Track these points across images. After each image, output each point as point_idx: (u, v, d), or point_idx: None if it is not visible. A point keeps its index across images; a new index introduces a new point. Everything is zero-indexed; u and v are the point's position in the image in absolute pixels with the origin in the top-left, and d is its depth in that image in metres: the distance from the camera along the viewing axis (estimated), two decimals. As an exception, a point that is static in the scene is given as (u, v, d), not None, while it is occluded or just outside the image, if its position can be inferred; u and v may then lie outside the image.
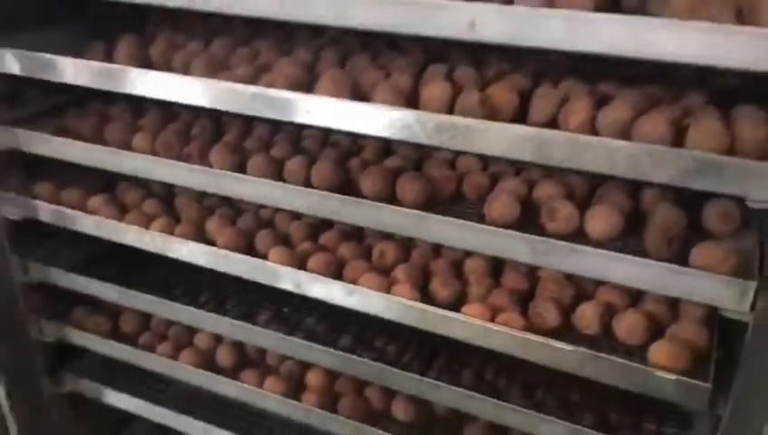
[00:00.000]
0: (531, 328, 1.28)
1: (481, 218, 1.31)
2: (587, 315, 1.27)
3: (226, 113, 1.51)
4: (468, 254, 1.45)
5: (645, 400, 1.22)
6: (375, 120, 1.22)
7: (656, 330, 1.24)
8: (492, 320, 1.29)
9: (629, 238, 1.25)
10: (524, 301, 1.35)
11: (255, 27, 1.68)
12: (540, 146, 1.11)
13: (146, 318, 1.88)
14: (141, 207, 1.69)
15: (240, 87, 1.33)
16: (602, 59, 1.01)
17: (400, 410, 1.61)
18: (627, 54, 0.97)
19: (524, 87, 1.34)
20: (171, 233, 1.58)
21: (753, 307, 1.05)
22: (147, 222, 1.62)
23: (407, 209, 1.30)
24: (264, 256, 1.50)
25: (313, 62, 1.50)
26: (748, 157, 1.04)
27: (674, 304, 1.27)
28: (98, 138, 1.62)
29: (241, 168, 1.48)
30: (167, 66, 1.53)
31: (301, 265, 1.47)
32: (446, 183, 1.43)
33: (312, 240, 1.56)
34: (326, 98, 1.27)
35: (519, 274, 1.40)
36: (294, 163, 1.46)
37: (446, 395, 1.43)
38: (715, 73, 1.07)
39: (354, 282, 1.41)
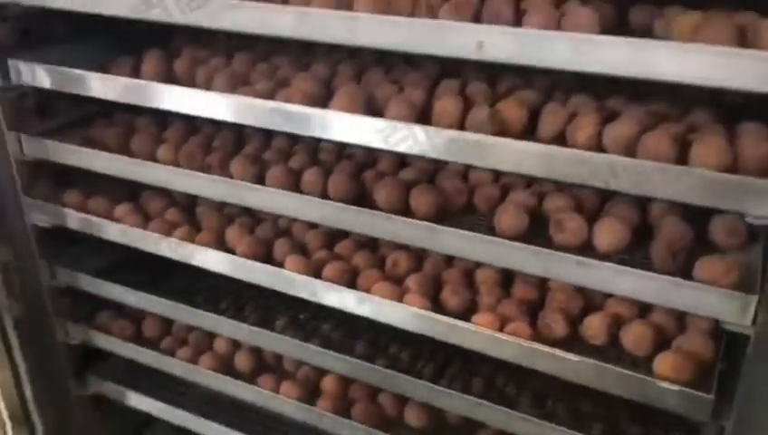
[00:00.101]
0: (539, 338, 1.31)
1: (491, 230, 1.34)
2: (594, 326, 1.30)
3: (247, 125, 1.57)
4: (479, 264, 1.48)
5: (653, 410, 1.24)
6: (387, 134, 1.26)
7: (662, 341, 1.27)
8: (501, 329, 1.33)
9: (637, 251, 1.28)
10: (534, 311, 1.38)
11: (275, 43, 1.74)
12: (546, 161, 1.14)
13: (167, 323, 1.94)
14: (164, 216, 1.75)
15: (259, 102, 1.38)
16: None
17: (413, 417, 1.65)
18: (630, 75, 1.00)
19: (534, 102, 1.38)
20: (192, 241, 1.64)
21: (754, 321, 1.07)
22: (169, 230, 1.68)
23: (418, 221, 1.34)
24: (282, 265, 1.55)
25: (330, 77, 1.55)
26: (751, 173, 1.07)
27: (681, 316, 1.29)
28: (124, 148, 1.68)
29: (260, 179, 1.53)
30: (190, 81, 1.59)
31: (316, 273, 1.51)
32: (458, 195, 1.46)
33: (328, 249, 1.61)
34: (340, 113, 1.31)
35: (529, 284, 1.43)
36: (311, 175, 1.50)
37: (457, 403, 1.46)
38: (722, 89, 1.10)
39: (367, 290, 1.45)
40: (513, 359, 1.31)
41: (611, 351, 1.29)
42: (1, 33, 1.64)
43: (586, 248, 1.27)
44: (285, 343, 1.64)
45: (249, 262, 1.56)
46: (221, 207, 1.78)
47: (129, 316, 1.96)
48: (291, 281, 1.52)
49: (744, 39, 1.05)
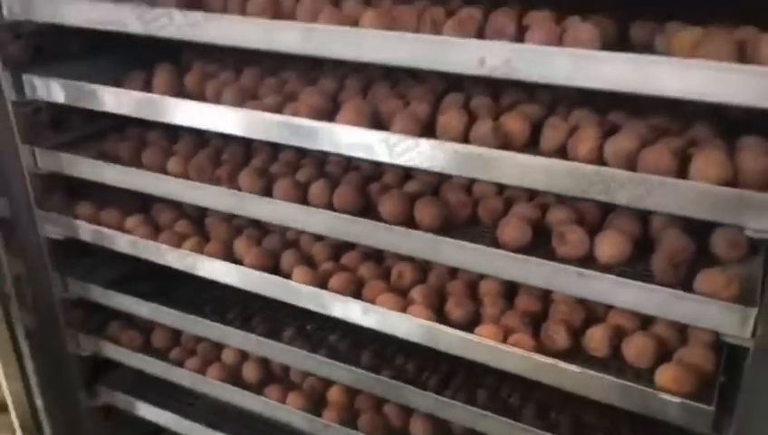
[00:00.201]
0: (541, 350, 1.32)
1: (494, 242, 1.36)
2: (596, 338, 1.31)
3: (255, 139, 1.59)
4: (483, 275, 1.50)
5: (655, 421, 1.24)
6: (391, 147, 1.28)
7: (664, 353, 1.27)
8: (504, 341, 1.34)
9: (638, 263, 1.29)
10: (537, 322, 1.39)
11: (283, 57, 1.76)
12: (548, 174, 1.16)
13: (176, 334, 1.96)
14: (174, 228, 1.78)
15: (267, 116, 1.41)
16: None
17: (418, 428, 1.65)
18: (629, 91, 1.02)
19: (537, 116, 1.39)
20: (201, 252, 1.66)
21: (754, 333, 1.07)
22: (178, 242, 1.71)
23: (421, 233, 1.36)
24: (289, 276, 1.57)
25: (337, 91, 1.58)
26: (751, 187, 1.08)
27: (682, 329, 1.30)
28: (135, 161, 1.72)
29: (268, 191, 1.56)
30: (200, 95, 1.62)
31: (322, 284, 1.53)
32: (462, 207, 1.48)
33: (335, 260, 1.63)
34: (346, 126, 1.34)
35: (532, 296, 1.44)
36: (317, 187, 1.53)
37: (462, 414, 1.47)
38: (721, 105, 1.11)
39: (372, 301, 1.47)
40: (516, 370, 1.32)
41: (613, 362, 1.30)
42: (15, 50, 1.68)
43: (588, 260, 1.29)
44: (292, 353, 1.66)
45: (256, 273, 1.59)
46: (230, 218, 1.80)
47: (139, 327, 1.99)
48: (297, 292, 1.54)
49: (743, 54, 1.07)
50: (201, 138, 1.81)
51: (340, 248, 1.66)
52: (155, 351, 1.96)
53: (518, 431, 1.41)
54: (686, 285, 1.18)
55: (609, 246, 1.28)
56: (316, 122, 1.37)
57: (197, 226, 1.81)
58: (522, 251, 1.30)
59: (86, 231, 1.79)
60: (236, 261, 1.65)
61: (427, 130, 1.36)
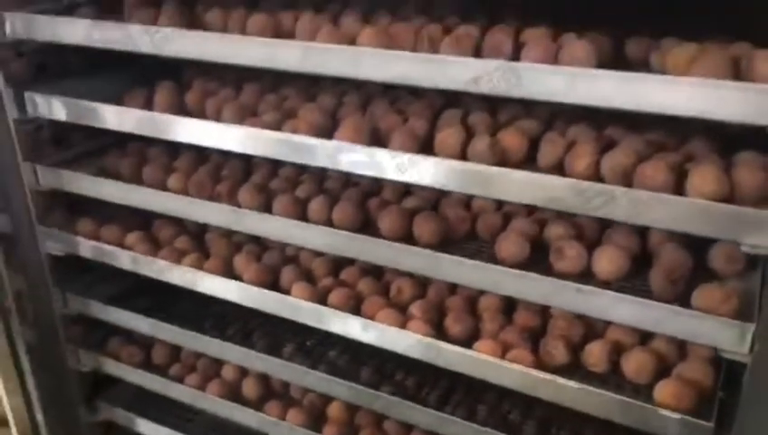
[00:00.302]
0: (540, 365, 1.32)
1: (493, 257, 1.36)
2: (595, 354, 1.31)
3: (255, 155, 1.60)
4: (482, 291, 1.50)
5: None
6: (389, 164, 1.29)
7: (663, 369, 1.27)
8: (503, 357, 1.34)
9: (637, 278, 1.29)
10: (536, 338, 1.39)
11: (283, 74, 1.78)
12: (545, 190, 1.16)
13: (176, 350, 1.96)
14: (174, 244, 1.78)
15: (266, 133, 1.42)
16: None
17: (418, 444, 1.65)
18: (624, 108, 1.03)
19: (535, 132, 1.40)
20: (201, 268, 1.67)
21: (752, 349, 1.07)
22: (178, 258, 1.71)
23: (420, 249, 1.36)
24: (288, 292, 1.57)
25: (336, 107, 1.59)
26: (747, 202, 1.08)
27: (681, 344, 1.30)
28: (136, 178, 1.73)
29: (268, 207, 1.57)
30: (201, 112, 1.63)
31: (322, 300, 1.53)
32: (461, 223, 1.49)
33: (334, 276, 1.63)
34: (344, 143, 1.35)
35: (531, 311, 1.44)
36: (317, 203, 1.53)
37: (461, 430, 1.46)
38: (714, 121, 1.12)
39: (372, 317, 1.47)
40: (515, 386, 1.32)
41: (612, 378, 1.30)
42: (18, 68, 1.70)
43: (586, 276, 1.29)
44: (292, 369, 1.66)
45: (256, 289, 1.59)
46: (230, 234, 1.81)
47: (139, 343, 1.99)
48: (297, 308, 1.54)
49: (738, 70, 1.08)
50: (201, 154, 1.82)
51: (339, 264, 1.66)
52: (155, 367, 1.96)
53: (518, 447, 1.40)
54: (684, 300, 1.18)
55: (607, 261, 1.28)
56: (315, 139, 1.38)
57: (197, 242, 1.81)
58: (520, 266, 1.30)
59: (86, 247, 1.79)
60: (236, 277, 1.65)
61: (426, 146, 1.37)
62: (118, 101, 1.68)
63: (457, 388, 1.65)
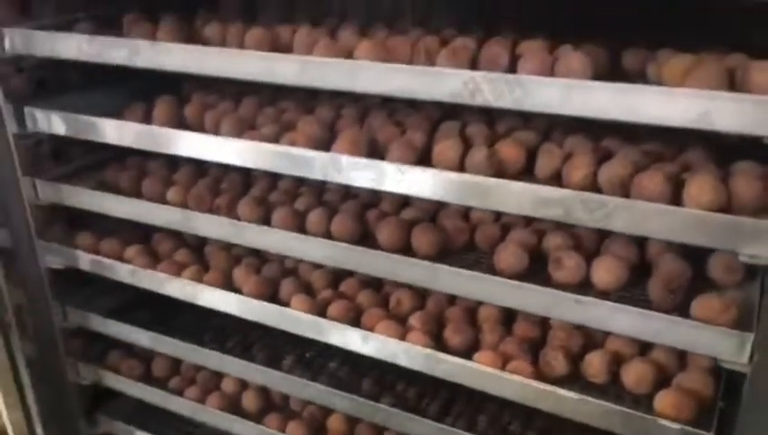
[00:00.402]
0: (540, 376, 1.32)
1: (491, 268, 1.36)
2: (594, 365, 1.31)
3: (253, 168, 1.61)
4: (481, 302, 1.50)
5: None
6: (387, 176, 1.29)
7: (663, 379, 1.27)
8: (503, 368, 1.33)
9: (636, 288, 1.29)
10: (536, 349, 1.39)
11: (281, 87, 1.78)
12: (541, 202, 1.16)
13: (176, 362, 1.96)
14: (173, 257, 1.79)
15: (264, 146, 1.43)
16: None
17: (418, 456, 1.64)
18: (620, 119, 1.03)
19: (532, 143, 1.41)
20: (200, 281, 1.67)
21: (751, 359, 1.07)
22: (178, 271, 1.71)
23: (418, 261, 1.36)
24: (288, 304, 1.57)
25: (334, 120, 1.59)
26: (745, 212, 1.09)
27: (681, 354, 1.30)
28: (135, 191, 1.73)
29: (267, 220, 1.57)
30: (199, 125, 1.64)
31: (321, 312, 1.53)
32: (459, 234, 1.49)
33: (333, 288, 1.63)
34: (342, 156, 1.35)
35: (530, 322, 1.44)
36: (315, 215, 1.54)
37: (461, 441, 1.46)
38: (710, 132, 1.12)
39: (371, 329, 1.47)
40: (515, 397, 1.32)
41: (612, 388, 1.30)
42: (17, 83, 1.71)
43: (585, 286, 1.29)
44: (292, 382, 1.66)
45: (255, 302, 1.59)
46: (229, 246, 1.81)
47: (139, 356, 1.99)
48: (296, 320, 1.54)
49: (733, 81, 1.09)
50: (201, 167, 1.82)
51: (338, 276, 1.66)
52: (155, 379, 1.95)
53: (518, 459, 1.40)
54: (683, 310, 1.18)
55: (606, 271, 1.28)
56: (313, 152, 1.38)
57: (197, 254, 1.81)
58: (518, 277, 1.30)
59: (86, 261, 1.79)
60: (236, 290, 1.65)
61: (424, 157, 1.38)
62: (117, 115, 1.69)
63: (458, 399, 1.65)
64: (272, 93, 1.78)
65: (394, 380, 1.70)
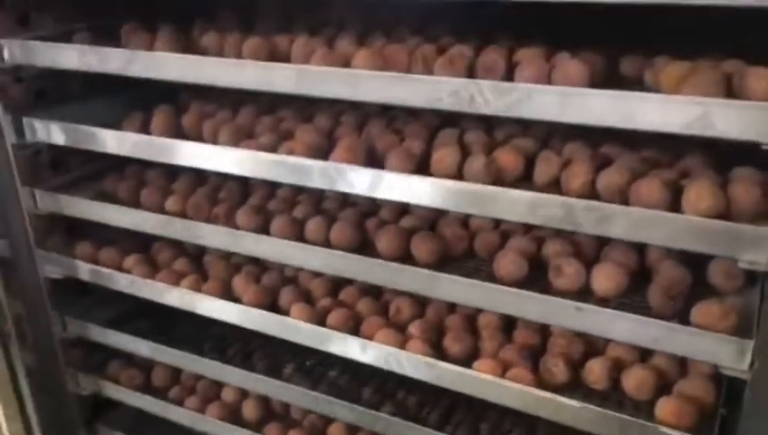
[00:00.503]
0: (541, 384, 1.31)
1: (491, 276, 1.36)
2: (595, 372, 1.30)
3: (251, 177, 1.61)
4: (481, 309, 1.49)
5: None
6: (386, 185, 1.29)
7: (664, 385, 1.27)
8: (503, 376, 1.33)
9: (636, 295, 1.28)
10: (536, 356, 1.38)
11: (280, 95, 1.78)
12: (540, 210, 1.17)
13: (176, 372, 1.95)
14: (173, 266, 1.78)
15: (262, 155, 1.43)
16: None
17: (419, 464, 1.64)
18: (617, 126, 1.03)
19: (531, 150, 1.41)
20: (199, 290, 1.66)
21: (751, 365, 1.07)
22: (177, 280, 1.71)
23: (418, 269, 1.36)
24: (287, 312, 1.57)
25: (333, 128, 1.59)
26: (744, 218, 1.09)
27: (682, 360, 1.29)
28: (134, 201, 1.73)
29: (265, 228, 1.57)
30: (197, 134, 1.64)
31: (321, 321, 1.53)
32: (459, 241, 1.48)
33: (333, 296, 1.63)
34: (341, 164, 1.35)
35: (530, 329, 1.44)
36: (314, 224, 1.54)
37: (462, 450, 1.46)
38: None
39: (371, 337, 1.47)
40: (516, 405, 1.31)
41: (613, 395, 1.29)
42: (16, 93, 1.71)
43: (585, 293, 1.29)
44: (292, 391, 1.65)
45: (255, 311, 1.59)
46: (228, 255, 1.81)
47: (139, 365, 1.98)
48: (296, 329, 1.54)
49: (730, 87, 1.09)
50: (199, 176, 1.82)
51: (338, 284, 1.66)
52: (154, 389, 1.95)
53: (520, 467, 1.39)
54: (683, 316, 1.18)
55: (605, 278, 1.28)
56: (310, 161, 1.38)
57: (196, 263, 1.81)
58: (518, 285, 1.30)
59: (85, 271, 1.79)
60: (235, 299, 1.65)
61: (422, 165, 1.37)
62: (116, 124, 1.69)
63: (458, 407, 1.64)
64: (270, 101, 1.78)
65: (394, 388, 1.69)
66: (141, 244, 1.86)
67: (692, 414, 1.18)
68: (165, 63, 1.44)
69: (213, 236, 1.59)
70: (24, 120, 1.67)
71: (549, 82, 1.17)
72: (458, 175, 1.32)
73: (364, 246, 1.49)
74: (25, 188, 1.74)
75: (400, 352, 1.41)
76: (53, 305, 1.88)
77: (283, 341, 1.60)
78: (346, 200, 1.71)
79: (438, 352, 1.42)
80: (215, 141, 1.58)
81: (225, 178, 1.79)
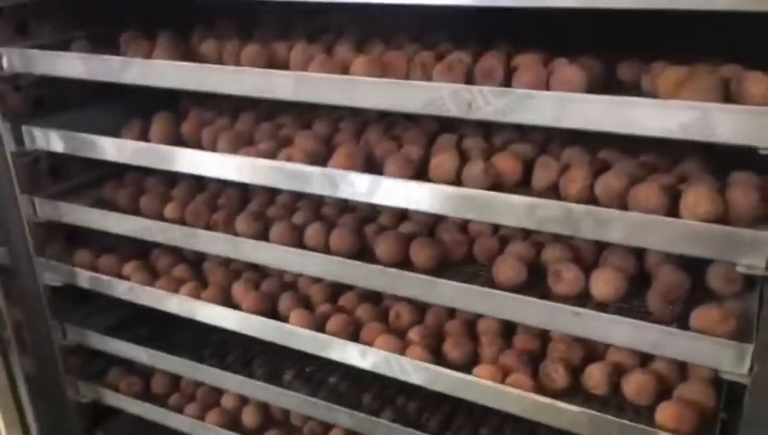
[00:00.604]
0: (540, 389, 1.31)
1: (490, 281, 1.36)
2: (595, 377, 1.30)
3: (250, 184, 1.61)
4: (480, 314, 1.49)
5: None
6: (384, 190, 1.30)
7: (664, 390, 1.26)
8: (502, 381, 1.33)
9: (635, 299, 1.29)
10: (536, 361, 1.38)
11: (279, 101, 1.79)
12: (537, 215, 1.17)
13: (176, 379, 1.95)
14: (172, 273, 1.78)
15: (260, 162, 1.43)
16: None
17: (420, 470, 1.63)
18: (615, 131, 1.04)
19: (529, 155, 1.41)
20: (198, 297, 1.66)
21: (751, 370, 1.07)
22: (176, 287, 1.71)
23: (417, 275, 1.36)
24: (287, 318, 1.57)
25: (332, 134, 1.60)
26: (742, 223, 1.09)
27: (683, 364, 1.29)
28: (133, 208, 1.73)
29: (265, 235, 1.57)
30: (197, 141, 1.64)
31: (320, 327, 1.53)
32: (458, 247, 1.48)
33: (332, 302, 1.63)
34: (339, 171, 1.35)
35: (530, 334, 1.44)
36: (313, 230, 1.54)
37: (462, 456, 1.46)
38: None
39: (371, 343, 1.47)
40: (516, 411, 1.31)
41: (613, 400, 1.29)
42: (15, 101, 1.72)
43: (584, 298, 1.29)
44: (291, 397, 1.65)
45: (254, 317, 1.59)
46: (228, 261, 1.81)
47: (139, 372, 1.98)
48: (295, 336, 1.54)
49: (727, 91, 1.09)
50: (199, 182, 1.82)
51: (337, 289, 1.66)
52: (154, 396, 1.95)
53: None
54: (682, 321, 1.18)
55: (604, 283, 1.28)
56: (309, 167, 1.38)
57: (195, 270, 1.81)
58: (517, 290, 1.30)
59: (84, 278, 1.79)
60: (234, 305, 1.65)
61: (421, 171, 1.38)
62: (115, 132, 1.69)
63: (459, 412, 1.64)
64: (269, 108, 1.78)
65: (394, 394, 1.69)
66: (141, 251, 1.86)
67: (692, 419, 1.17)
68: (163, 71, 1.45)
69: (212, 242, 1.59)
70: (24, 127, 1.67)
71: (547, 87, 1.17)
72: (457, 180, 1.32)
73: (363, 252, 1.50)
74: (25, 196, 1.74)
75: (400, 358, 1.41)
76: (53, 313, 1.88)
77: (282, 347, 1.60)
78: (345, 206, 1.71)
79: (438, 357, 1.42)
80: (214, 148, 1.58)
81: (224, 184, 1.80)
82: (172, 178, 1.85)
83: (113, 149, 1.59)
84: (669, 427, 1.17)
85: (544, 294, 1.30)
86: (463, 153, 1.40)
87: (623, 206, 1.17)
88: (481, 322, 1.50)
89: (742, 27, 1.09)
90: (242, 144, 1.57)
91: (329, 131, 1.61)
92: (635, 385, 1.27)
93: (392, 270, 1.38)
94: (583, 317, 1.20)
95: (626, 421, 1.20)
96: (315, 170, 1.37)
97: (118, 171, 1.86)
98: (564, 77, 1.17)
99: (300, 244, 1.53)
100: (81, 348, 1.93)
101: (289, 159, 1.46)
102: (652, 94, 1.18)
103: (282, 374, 1.78)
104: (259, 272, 1.78)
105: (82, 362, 1.99)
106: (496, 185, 1.30)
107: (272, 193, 1.78)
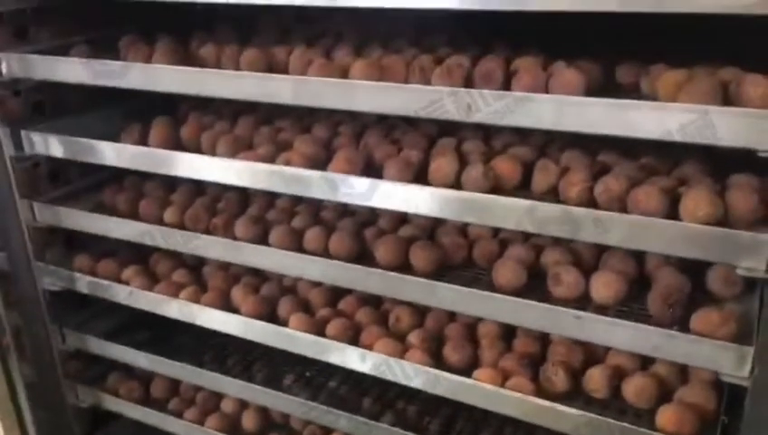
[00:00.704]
0: (541, 392, 1.31)
1: (490, 285, 1.36)
2: (595, 380, 1.30)
3: (249, 188, 1.61)
4: (481, 318, 1.49)
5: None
6: (383, 194, 1.30)
7: (664, 393, 1.26)
8: (503, 385, 1.33)
9: (635, 302, 1.28)
10: (536, 364, 1.38)
11: (278, 105, 1.79)
12: (538, 218, 1.17)
13: (175, 383, 1.95)
14: (171, 277, 1.78)
15: (259, 166, 1.43)
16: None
17: (420, 475, 1.63)
18: (612, 134, 1.04)
19: (528, 158, 1.41)
20: (198, 302, 1.66)
21: (752, 372, 1.07)
22: (176, 291, 1.71)
23: (416, 279, 1.36)
24: (286, 322, 1.57)
25: (331, 138, 1.60)
26: (742, 225, 1.09)
27: (683, 367, 1.29)
28: (133, 212, 1.73)
29: (264, 239, 1.57)
30: (196, 146, 1.64)
31: (320, 331, 1.53)
32: (458, 250, 1.48)
33: (332, 306, 1.63)
34: (337, 175, 1.35)
35: (530, 337, 1.44)
36: (313, 233, 1.54)
37: (463, 460, 1.46)
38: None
39: (370, 347, 1.47)
40: (516, 414, 1.31)
41: (614, 403, 1.29)
42: (14, 106, 1.71)
43: (584, 301, 1.29)
44: (291, 401, 1.65)
45: (254, 322, 1.59)
46: (227, 266, 1.81)
47: (138, 377, 1.98)
48: (295, 340, 1.54)
49: (726, 94, 1.09)
50: (198, 187, 1.82)
51: (337, 293, 1.66)
52: (154, 401, 1.94)
53: (521, 477, 1.39)
54: (682, 323, 1.18)
55: (604, 286, 1.28)
56: (308, 171, 1.38)
57: (195, 274, 1.81)
58: (517, 293, 1.30)
59: (84, 283, 1.79)
60: (234, 310, 1.65)
61: (420, 174, 1.38)
62: (114, 136, 1.69)
63: (459, 416, 1.64)
64: (268, 112, 1.78)
65: (395, 398, 1.69)
66: (140, 255, 1.86)
67: (693, 422, 1.17)
68: (162, 76, 1.45)
69: (212, 246, 1.58)
70: (23, 132, 1.67)
71: (546, 90, 1.17)
72: (456, 184, 1.32)
73: (363, 256, 1.50)
74: (24, 201, 1.74)
75: (400, 362, 1.41)
76: (52, 318, 1.88)
77: (282, 351, 1.60)
78: (345, 210, 1.71)
79: (438, 361, 1.42)
80: (213, 152, 1.58)
81: (223, 188, 1.79)
82: (171, 183, 1.85)
83: (112, 153, 1.59)
84: (670, 430, 1.17)
85: (544, 297, 1.29)
86: (462, 157, 1.40)
87: (623, 208, 1.17)
88: (481, 325, 1.50)
89: (741, 30, 1.09)
90: (241, 148, 1.57)
91: (328, 135, 1.61)
92: (635, 388, 1.27)
93: (392, 274, 1.38)
94: (583, 320, 1.20)
95: (626, 425, 1.20)
96: (315, 174, 1.37)
97: (117, 176, 1.86)
98: (563, 80, 1.18)
99: (299, 248, 1.53)
100: (81, 353, 1.92)
101: (288, 163, 1.46)
102: (651, 97, 1.18)
103: (281, 379, 1.78)
104: (259, 276, 1.78)
105: (82, 366, 1.99)
106: (496, 188, 1.30)
107: (271, 197, 1.78)
